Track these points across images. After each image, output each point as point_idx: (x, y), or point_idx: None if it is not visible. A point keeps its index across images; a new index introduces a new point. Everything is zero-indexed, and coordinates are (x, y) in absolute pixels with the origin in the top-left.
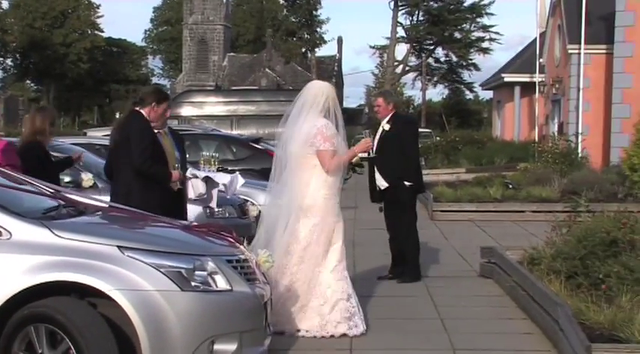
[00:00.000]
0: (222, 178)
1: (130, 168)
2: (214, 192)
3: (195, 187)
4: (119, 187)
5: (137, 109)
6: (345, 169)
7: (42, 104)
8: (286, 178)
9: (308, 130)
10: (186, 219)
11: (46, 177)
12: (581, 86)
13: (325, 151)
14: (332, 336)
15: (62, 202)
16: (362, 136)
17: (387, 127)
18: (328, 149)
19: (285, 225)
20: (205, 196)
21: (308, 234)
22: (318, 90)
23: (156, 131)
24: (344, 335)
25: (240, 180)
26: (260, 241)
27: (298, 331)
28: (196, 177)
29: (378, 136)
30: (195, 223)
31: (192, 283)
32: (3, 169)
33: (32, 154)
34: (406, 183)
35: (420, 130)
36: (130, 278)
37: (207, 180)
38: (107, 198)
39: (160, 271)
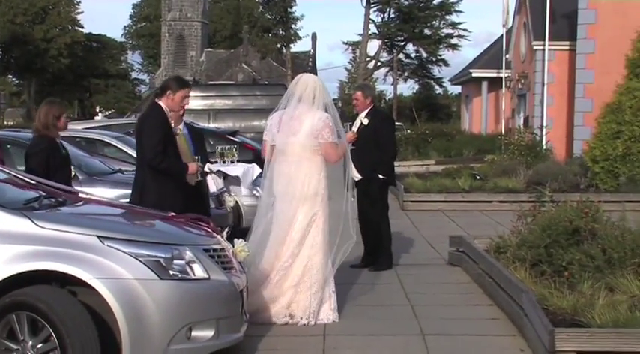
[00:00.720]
0: (235, 171)
1: (144, 163)
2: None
3: (215, 182)
4: (135, 182)
5: (156, 100)
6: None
7: (50, 98)
8: (284, 169)
9: (314, 123)
10: (209, 214)
11: (56, 170)
12: (545, 81)
13: (333, 143)
14: (315, 323)
15: (43, 194)
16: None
17: (365, 121)
18: (335, 141)
19: (283, 214)
20: (224, 189)
21: (308, 222)
22: (315, 83)
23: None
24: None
25: (257, 170)
26: (258, 229)
27: (286, 316)
28: (212, 172)
29: (355, 130)
30: (174, 214)
31: (171, 272)
32: None
33: (39, 148)
34: (380, 176)
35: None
36: (110, 267)
37: (222, 173)
38: (88, 189)
39: (139, 260)
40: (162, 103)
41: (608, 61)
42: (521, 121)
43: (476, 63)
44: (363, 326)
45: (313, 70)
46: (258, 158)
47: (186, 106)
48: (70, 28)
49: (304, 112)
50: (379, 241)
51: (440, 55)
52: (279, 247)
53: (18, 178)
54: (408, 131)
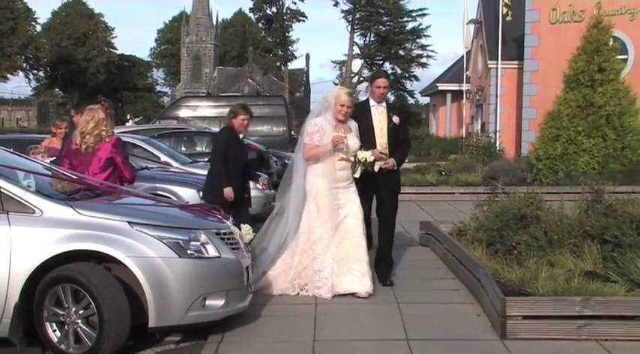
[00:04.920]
0: None
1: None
2: None
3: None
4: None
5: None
6: (353, 166)
7: (67, 108)
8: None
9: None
10: (248, 208)
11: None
12: (498, 94)
13: (304, 144)
14: (313, 295)
15: (83, 187)
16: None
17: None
18: (306, 142)
19: (296, 208)
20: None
21: (308, 214)
22: (325, 95)
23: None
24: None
25: None
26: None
27: (297, 290)
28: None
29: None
30: (191, 203)
31: (188, 251)
32: (35, 160)
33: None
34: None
35: None
36: (138, 247)
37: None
38: None
39: (162, 242)
40: (230, 124)
41: (549, 77)
42: (479, 127)
43: (442, 78)
44: (348, 296)
45: (306, 85)
46: (261, 157)
47: (200, 114)
48: (106, 49)
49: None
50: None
51: (412, 72)
52: (295, 237)
53: (62, 174)
54: None
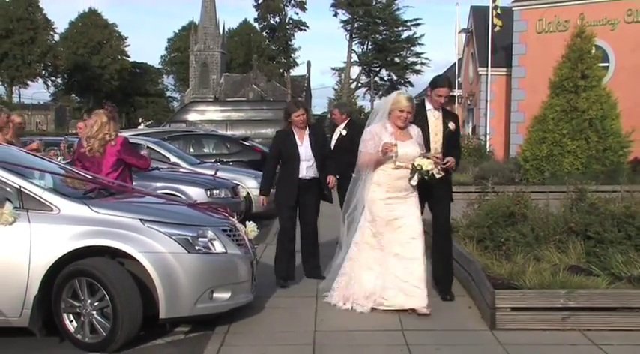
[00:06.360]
0: None
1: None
2: None
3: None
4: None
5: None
6: (410, 174)
7: (82, 112)
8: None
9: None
10: (316, 209)
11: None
12: (488, 99)
13: (360, 152)
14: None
15: (98, 186)
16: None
17: (344, 132)
18: (361, 150)
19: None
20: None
21: (362, 223)
22: (382, 100)
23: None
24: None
25: None
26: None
27: (341, 302)
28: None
29: (335, 138)
30: (199, 201)
31: (196, 247)
32: (49, 160)
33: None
34: (352, 174)
35: None
36: (150, 243)
37: None
38: (135, 182)
39: (172, 238)
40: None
41: (535, 83)
42: (470, 130)
43: None
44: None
45: (308, 90)
46: (264, 158)
47: (208, 118)
48: (119, 57)
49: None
50: None
51: (407, 78)
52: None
53: (79, 174)
54: None
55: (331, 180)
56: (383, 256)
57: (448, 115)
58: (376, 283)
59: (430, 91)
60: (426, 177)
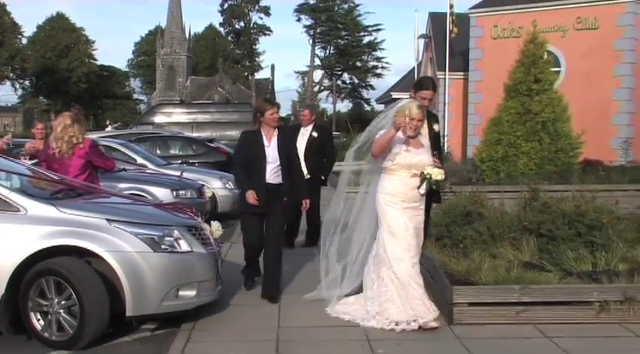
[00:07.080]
0: None
1: None
2: None
3: None
4: None
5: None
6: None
7: (50, 114)
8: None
9: None
10: (282, 221)
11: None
12: (446, 102)
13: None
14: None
15: (65, 187)
16: None
17: (314, 134)
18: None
19: (369, 227)
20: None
21: (381, 237)
22: (391, 108)
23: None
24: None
25: None
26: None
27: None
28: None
29: (306, 140)
30: (165, 202)
31: (162, 246)
32: (20, 162)
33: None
34: (322, 176)
35: (333, 133)
36: (116, 243)
37: None
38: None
39: (138, 238)
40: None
41: (491, 86)
42: None
43: (395, 87)
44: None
45: (272, 93)
46: (230, 159)
47: (174, 120)
48: (87, 61)
49: None
50: (319, 224)
51: (368, 82)
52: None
53: (46, 175)
54: (344, 139)
55: (306, 204)
56: (403, 269)
57: (432, 117)
58: (401, 296)
59: (414, 94)
60: (434, 186)
